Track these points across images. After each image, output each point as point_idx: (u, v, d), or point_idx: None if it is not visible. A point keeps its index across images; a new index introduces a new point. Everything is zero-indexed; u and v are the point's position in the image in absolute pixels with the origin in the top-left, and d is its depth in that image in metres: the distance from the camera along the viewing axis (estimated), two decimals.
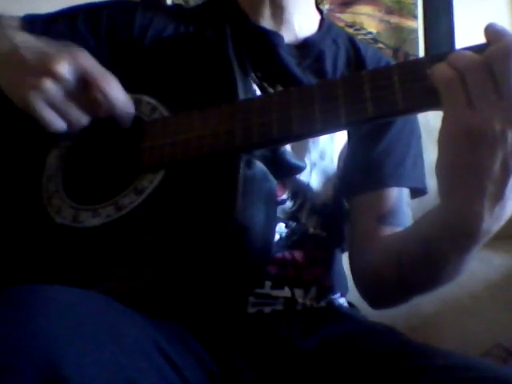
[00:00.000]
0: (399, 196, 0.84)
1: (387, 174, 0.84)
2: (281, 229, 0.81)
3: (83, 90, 0.68)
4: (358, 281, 0.85)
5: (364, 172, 0.86)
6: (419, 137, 0.91)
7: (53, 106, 0.67)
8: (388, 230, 0.82)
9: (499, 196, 0.56)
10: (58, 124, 0.68)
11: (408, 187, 0.86)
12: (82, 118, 0.70)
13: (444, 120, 0.56)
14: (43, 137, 0.73)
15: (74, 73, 0.67)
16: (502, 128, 0.53)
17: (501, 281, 1.22)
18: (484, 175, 0.56)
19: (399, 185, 0.85)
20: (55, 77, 0.66)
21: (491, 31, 0.56)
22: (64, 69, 0.67)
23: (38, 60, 0.68)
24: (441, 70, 0.56)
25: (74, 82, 0.68)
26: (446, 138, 0.57)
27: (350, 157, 0.87)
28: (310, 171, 0.83)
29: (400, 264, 0.74)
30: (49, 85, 0.66)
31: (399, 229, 0.82)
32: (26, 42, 0.73)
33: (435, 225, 0.65)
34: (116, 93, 0.69)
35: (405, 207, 0.85)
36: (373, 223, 0.83)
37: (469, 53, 0.56)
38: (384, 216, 0.83)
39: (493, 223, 0.59)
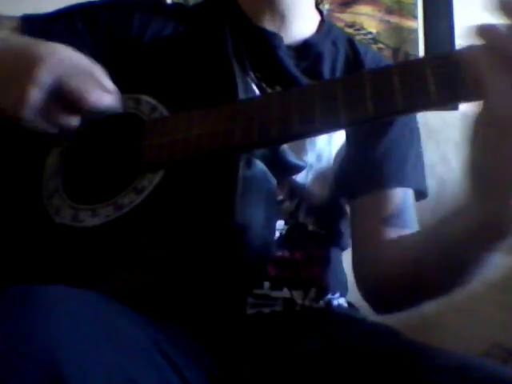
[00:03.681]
0: (403, 197, 0.83)
1: (388, 174, 0.84)
2: (280, 226, 0.81)
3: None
4: (362, 284, 0.84)
5: (364, 174, 0.85)
6: (419, 138, 0.90)
7: (41, 113, 0.66)
8: (394, 232, 0.81)
9: None
10: (51, 130, 0.68)
11: (410, 188, 0.85)
12: (72, 121, 0.68)
13: (484, 108, 0.51)
14: (43, 136, 0.72)
15: (52, 79, 0.65)
16: None
17: (501, 281, 1.22)
18: None
19: (401, 185, 0.84)
20: (38, 84, 0.64)
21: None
22: (44, 75, 0.64)
23: (19, 68, 0.66)
24: (478, 57, 0.51)
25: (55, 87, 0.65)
26: (481, 129, 0.52)
27: (348, 159, 0.86)
28: (307, 173, 0.83)
29: (418, 271, 0.71)
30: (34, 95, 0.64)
31: (405, 230, 0.80)
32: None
33: (467, 228, 0.61)
34: (97, 97, 0.66)
35: (410, 209, 0.83)
36: (377, 225, 0.81)
37: (502, 29, 0.50)
38: (389, 218, 0.81)
39: None
